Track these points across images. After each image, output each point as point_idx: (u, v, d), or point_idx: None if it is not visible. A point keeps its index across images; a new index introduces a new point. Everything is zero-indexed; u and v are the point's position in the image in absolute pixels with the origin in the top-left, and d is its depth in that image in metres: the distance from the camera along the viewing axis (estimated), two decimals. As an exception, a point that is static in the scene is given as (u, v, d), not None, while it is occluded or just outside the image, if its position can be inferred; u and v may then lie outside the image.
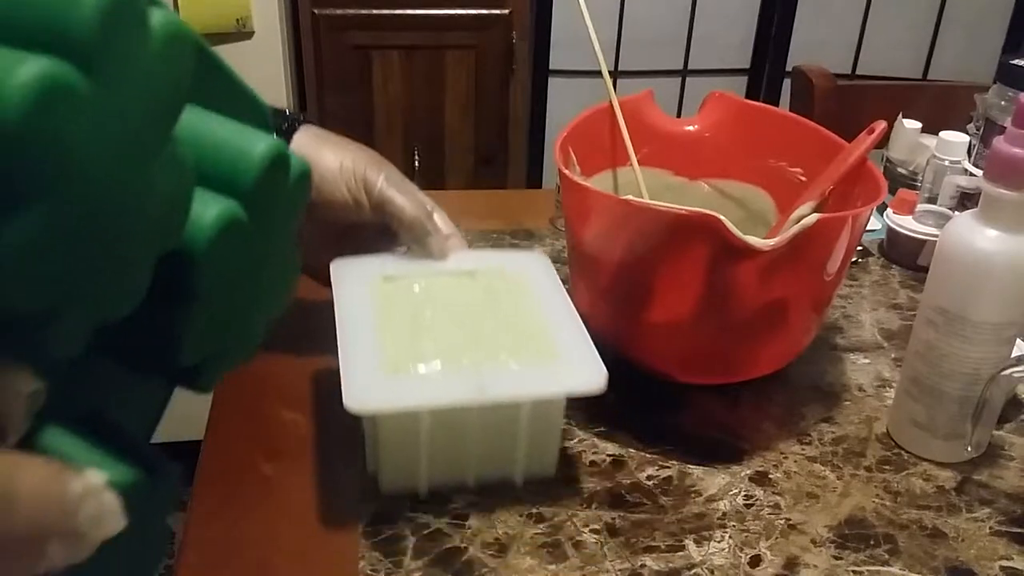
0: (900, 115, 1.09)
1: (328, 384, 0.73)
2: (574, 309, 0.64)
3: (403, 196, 0.67)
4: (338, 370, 0.55)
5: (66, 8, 0.18)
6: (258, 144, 0.22)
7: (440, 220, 0.68)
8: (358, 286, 0.64)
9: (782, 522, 0.60)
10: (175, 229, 0.21)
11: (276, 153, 0.23)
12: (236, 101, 0.24)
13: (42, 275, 0.17)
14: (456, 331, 0.61)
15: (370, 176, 0.66)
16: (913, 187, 1.03)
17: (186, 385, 0.25)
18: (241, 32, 1.69)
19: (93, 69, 0.18)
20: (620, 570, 0.56)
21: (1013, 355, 0.63)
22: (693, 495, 0.62)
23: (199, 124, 0.22)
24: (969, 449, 0.63)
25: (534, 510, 0.60)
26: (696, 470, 0.65)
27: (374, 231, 0.69)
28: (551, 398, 0.59)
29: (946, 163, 0.99)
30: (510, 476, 0.62)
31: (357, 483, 0.62)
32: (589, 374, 0.57)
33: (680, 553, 0.57)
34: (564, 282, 0.65)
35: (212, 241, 0.21)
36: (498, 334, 0.61)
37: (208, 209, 0.21)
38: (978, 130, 1.02)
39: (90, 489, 0.20)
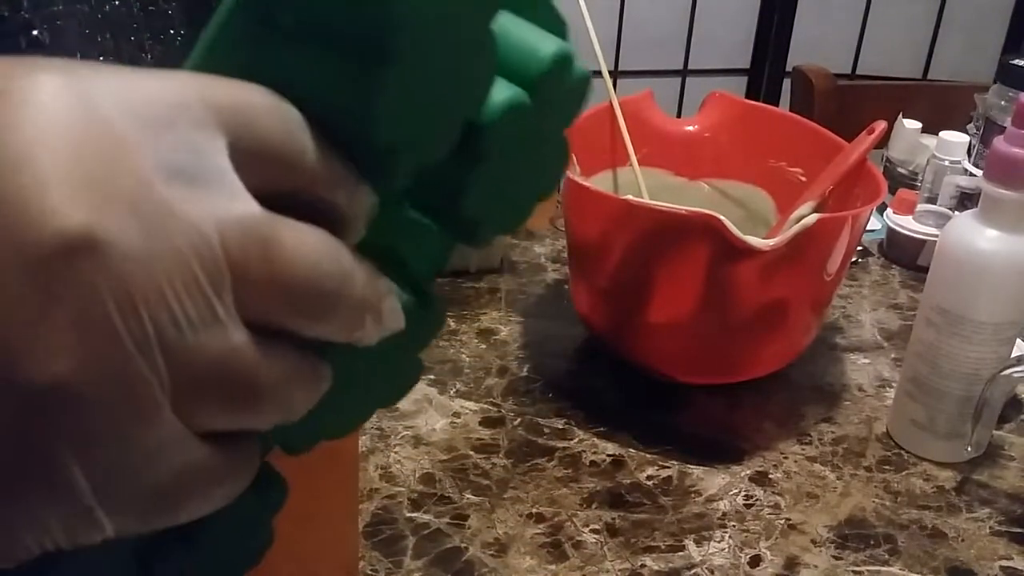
0: (900, 115, 1.09)
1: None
2: None
3: None
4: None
5: None
6: (549, 46, 0.28)
7: None
8: None
9: (782, 522, 0.60)
10: (479, 102, 0.27)
11: (562, 54, 0.28)
12: (542, 11, 0.29)
13: (398, 114, 0.24)
14: None
15: None
16: (913, 187, 1.03)
17: (465, 238, 0.30)
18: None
19: None
20: (620, 570, 0.56)
21: (1013, 355, 0.63)
22: (693, 495, 0.62)
23: (507, 23, 0.28)
24: (969, 449, 0.63)
25: (534, 510, 0.60)
26: (696, 470, 0.65)
27: None
28: None
29: (946, 163, 0.99)
30: (466, 265, 0.88)
31: (355, 483, 0.62)
32: None
33: (680, 553, 0.57)
34: (564, 282, 0.66)
35: (501, 116, 0.27)
36: None
37: (501, 91, 0.27)
38: (978, 130, 1.02)
39: (391, 287, 0.25)
